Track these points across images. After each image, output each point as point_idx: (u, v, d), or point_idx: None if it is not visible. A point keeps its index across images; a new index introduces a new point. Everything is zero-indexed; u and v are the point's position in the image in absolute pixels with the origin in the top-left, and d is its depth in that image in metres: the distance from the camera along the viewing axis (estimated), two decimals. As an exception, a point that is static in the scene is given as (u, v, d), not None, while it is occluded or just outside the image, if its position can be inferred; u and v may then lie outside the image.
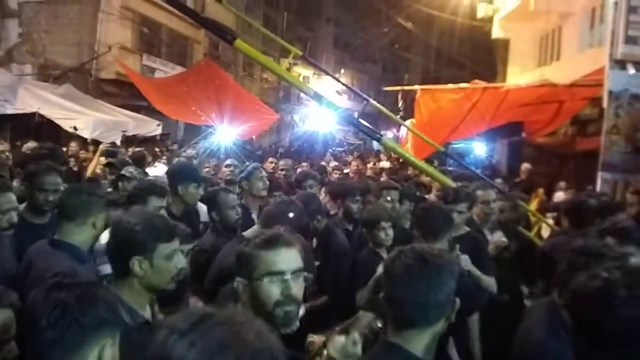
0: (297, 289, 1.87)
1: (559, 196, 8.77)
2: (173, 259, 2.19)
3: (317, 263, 4.01)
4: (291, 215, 3.30)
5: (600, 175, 8.16)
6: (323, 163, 12.31)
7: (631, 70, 8.39)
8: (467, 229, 4.19)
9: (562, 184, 9.40)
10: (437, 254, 1.80)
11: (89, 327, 1.45)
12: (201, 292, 3.16)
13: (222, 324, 0.97)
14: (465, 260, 3.65)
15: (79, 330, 1.43)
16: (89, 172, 6.81)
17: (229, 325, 0.96)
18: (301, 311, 2.48)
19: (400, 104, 11.11)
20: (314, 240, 4.19)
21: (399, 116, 10.02)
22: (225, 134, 10.44)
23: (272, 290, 1.82)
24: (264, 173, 4.87)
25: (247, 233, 3.36)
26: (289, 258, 1.88)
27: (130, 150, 10.00)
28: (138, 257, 2.10)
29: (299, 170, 7.89)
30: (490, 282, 3.85)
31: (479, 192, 4.54)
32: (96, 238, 2.89)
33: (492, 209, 4.57)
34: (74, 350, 1.43)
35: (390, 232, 3.84)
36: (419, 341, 1.75)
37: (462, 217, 4.14)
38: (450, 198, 4.16)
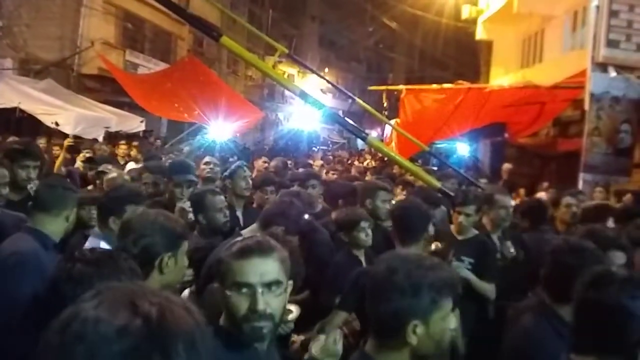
0: (272, 303, 1.67)
1: (542, 196, 8.87)
2: (185, 256, 2.25)
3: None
4: (291, 215, 3.26)
5: (581, 177, 8.29)
6: (310, 161, 12.28)
7: (612, 73, 8.53)
8: (475, 232, 4.07)
9: (544, 184, 9.49)
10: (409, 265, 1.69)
11: None
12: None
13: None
14: (458, 267, 3.61)
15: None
16: (55, 169, 6.66)
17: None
18: (295, 313, 2.47)
19: (385, 104, 11.13)
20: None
21: (392, 120, 10.03)
22: (212, 131, 10.39)
23: (239, 303, 1.66)
24: (247, 172, 4.79)
25: (246, 232, 3.32)
26: (261, 269, 1.68)
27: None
28: (168, 254, 2.13)
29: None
30: (487, 288, 3.79)
31: (497, 197, 4.32)
32: (67, 232, 2.99)
33: (509, 214, 4.33)
34: None
35: (370, 232, 3.71)
36: (389, 356, 1.67)
37: (470, 220, 4.02)
38: (459, 200, 4.06)
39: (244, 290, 1.66)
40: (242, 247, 1.73)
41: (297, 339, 2.24)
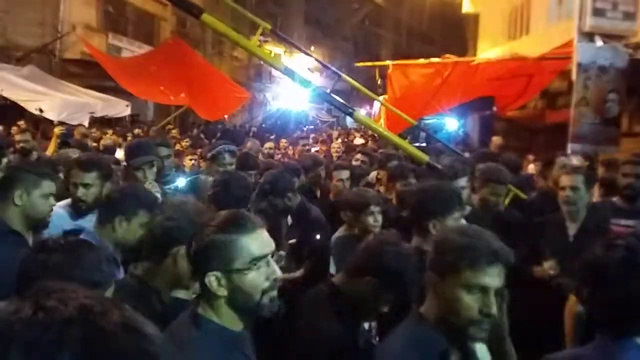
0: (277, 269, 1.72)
1: (531, 169, 8.89)
2: None
3: (294, 240, 3.98)
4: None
5: (570, 147, 8.29)
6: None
7: (599, 43, 8.48)
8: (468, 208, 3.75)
9: (530, 157, 9.50)
10: None
11: None
12: None
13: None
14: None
15: None
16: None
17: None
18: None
19: (379, 81, 11.05)
20: (289, 218, 4.14)
21: (380, 96, 9.94)
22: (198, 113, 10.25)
23: (259, 277, 1.63)
24: (228, 159, 4.49)
25: None
26: (266, 238, 1.69)
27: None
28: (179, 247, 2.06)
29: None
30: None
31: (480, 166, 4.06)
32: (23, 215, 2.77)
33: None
34: None
35: (379, 217, 3.51)
36: None
37: (466, 193, 3.68)
38: (450, 174, 3.79)
39: (261, 263, 1.65)
40: (239, 221, 1.68)
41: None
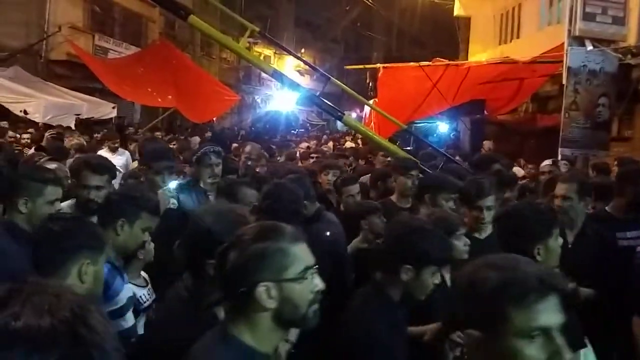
0: None
1: (518, 172, 8.84)
2: None
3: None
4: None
5: (560, 152, 8.26)
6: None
7: (589, 47, 8.47)
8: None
9: (521, 161, 9.47)
10: None
11: (67, 248, 1.96)
12: None
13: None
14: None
15: (59, 251, 1.95)
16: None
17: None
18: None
19: (369, 84, 10.98)
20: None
21: (371, 100, 9.86)
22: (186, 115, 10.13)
23: (307, 288, 1.55)
24: (214, 159, 4.24)
25: None
26: (309, 249, 1.61)
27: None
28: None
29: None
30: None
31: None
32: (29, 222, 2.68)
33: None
34: (57, 266, 1.93)
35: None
36: None
37: (492, 213, 3.28)
38: (474, 192, 3.40)
39: (309, 273, 1.60)
40: (283, 231, 1.61)
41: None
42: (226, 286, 1.57)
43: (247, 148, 5.83)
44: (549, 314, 1.33)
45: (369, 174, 5.53)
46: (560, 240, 2.53)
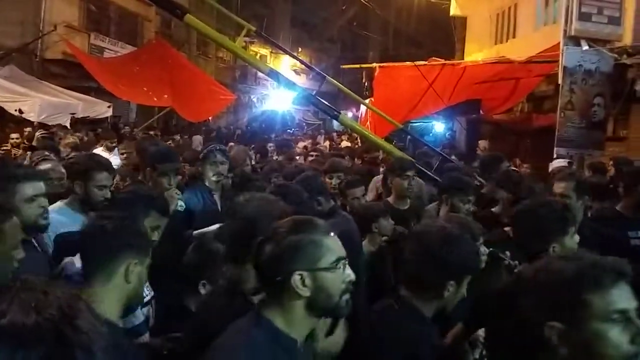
0: None
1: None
2: None
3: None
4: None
5: (555, 151, 8.29)
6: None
7: (585, 46, 8.50)
8: None
9: (516, 160, 9.50)
10: None
11: (117, 247, 1.93)
12: None
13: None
14: None
15: (109, 248, 1.93)
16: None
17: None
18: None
19: (365, 83, 11.01)
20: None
21: (367, 99, 9.87)
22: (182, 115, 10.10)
23: (340, 278, 1.64)
24: (219, 157, 4.27)
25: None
26: (339, 241, 1.70)
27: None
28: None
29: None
30: None
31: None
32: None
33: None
34: (105, 264, 1.91)
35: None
36: None
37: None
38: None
39: (341, 263, 1.67)
40: (316, 224, 1.69)
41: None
42: (263, 276, 1.67)
43: (232, 153, 5.77)
44: (625, 297, 1.43)
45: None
46: (577, 238, 2.53)
